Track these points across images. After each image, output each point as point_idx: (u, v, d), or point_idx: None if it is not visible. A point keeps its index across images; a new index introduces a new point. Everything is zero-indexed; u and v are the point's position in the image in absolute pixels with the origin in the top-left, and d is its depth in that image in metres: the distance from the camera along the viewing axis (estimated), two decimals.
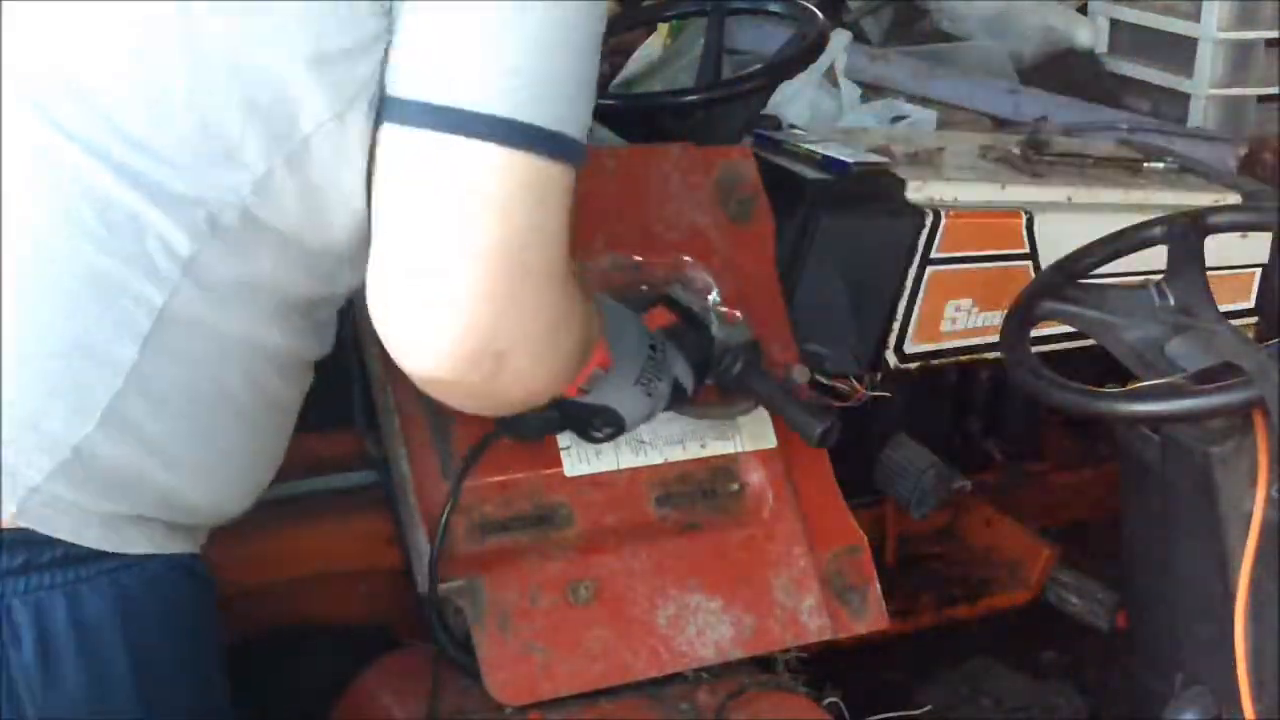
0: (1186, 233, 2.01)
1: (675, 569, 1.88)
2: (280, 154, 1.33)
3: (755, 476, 1.97)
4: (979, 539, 2.66)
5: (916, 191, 2.36)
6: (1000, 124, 4.15)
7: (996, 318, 2.30)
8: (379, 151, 1.34)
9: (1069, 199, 2.50)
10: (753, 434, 1.99)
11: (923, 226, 2.32)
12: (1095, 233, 2.10)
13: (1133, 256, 2.09)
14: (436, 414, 1.82)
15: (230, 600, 1.54)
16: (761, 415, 1.98)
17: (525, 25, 1.32)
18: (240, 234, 1.34)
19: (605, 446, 1.89)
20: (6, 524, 1.32)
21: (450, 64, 1.32)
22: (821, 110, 3.94)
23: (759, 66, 2.68)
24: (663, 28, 4.01)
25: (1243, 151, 3.94)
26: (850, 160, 2.35)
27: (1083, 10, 5.36)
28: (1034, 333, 2.00)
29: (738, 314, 1.92)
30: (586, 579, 1.83)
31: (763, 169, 2.16)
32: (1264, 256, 2.65)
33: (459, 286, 1.32)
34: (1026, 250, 2.41)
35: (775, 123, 2.56)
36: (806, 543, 1.96)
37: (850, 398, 2.14)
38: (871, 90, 4.34)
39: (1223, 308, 2.00)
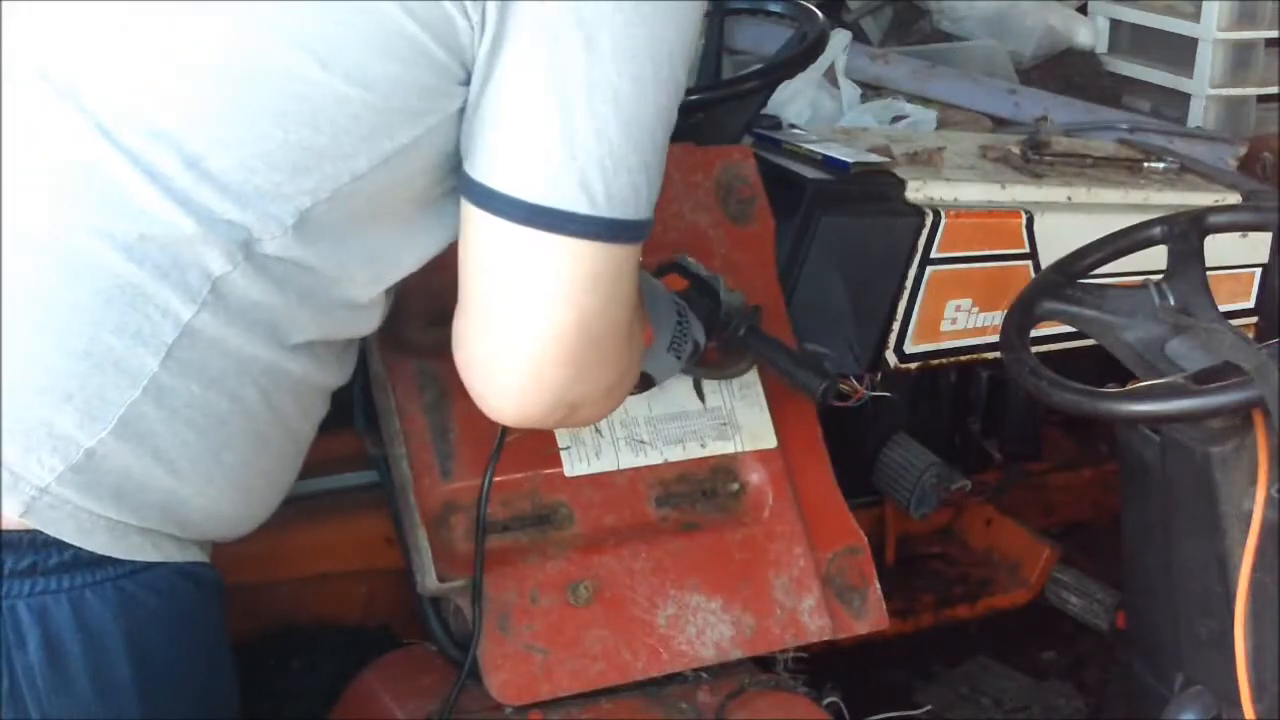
0: (1186, 233, 2.01)
1: (675, 569, 1.88)
2: (326, 191, 1.35)
3: (755, 476, 1.97)
4: (979, 539, 2.66)
5: (916, 191, 2.36)
6: (1000, 124, 4.15)
7: (996, 318, 2.30)
8: (466, 229, 1.40)
9: (1069, 199, 2.50)
10: (753, 434, 1.99)
11: (923, 226, 2.32)
12: (1095, 233, 2.10)
13: (1133, 256, 2.09)
14: (436, 414, 1.82)
15: (230, 600, 1.54)
16: (762, 415, 1.99)
17: (617, 125, 1.36)
18: (274, 263, 1.36)
19: (605, 447, 1.90)
20: (13, 524, 1.33)
21: (543, 162, 1.35)
22: (821, 110, 3.94)
23: (759, 66, 2.68)
24: None
25: (1243, 151, 3.94)
26: (850, 160, 2.35)
27: (1083, 10, 5.36)
28: (1034, 333, 2.00)
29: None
30: (586, 579, 1.83)
31: (763, 169, 2.16)
32: (1264, 256, 2.65)
33: (538, 361, 1.40)
34: (1026, 250, 2.41)
35: (775, 123, 2.56)
36: (806, 543, 1.96)
37: (850, 398, 2.14)
38: (871, 90, 4.34)
39: (1223, 308, 2.00)
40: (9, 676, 1.34)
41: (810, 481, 2.01)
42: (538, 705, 1.78)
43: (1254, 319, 2.65)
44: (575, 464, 1.89)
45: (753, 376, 2.01)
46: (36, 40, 1.34)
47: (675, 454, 1.94)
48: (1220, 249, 2.16)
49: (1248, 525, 1.77)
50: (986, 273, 2.39)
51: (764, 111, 2.58)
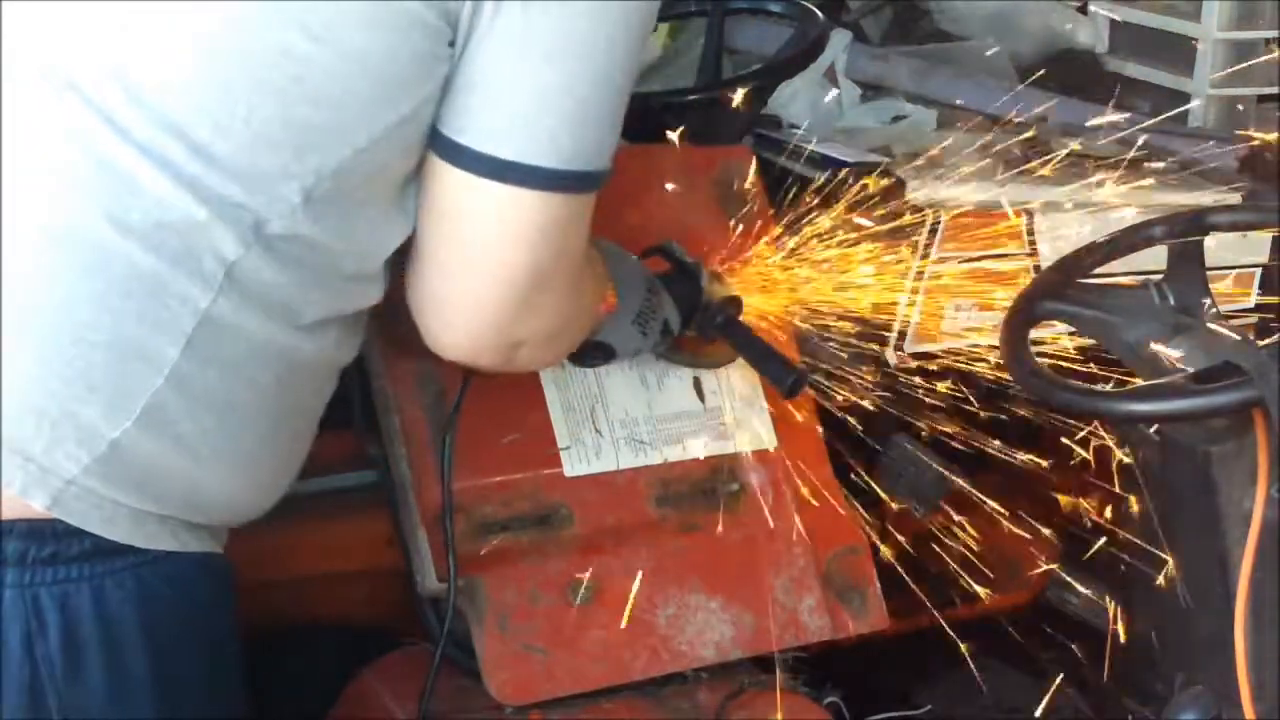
0: (1186, 233, 2.01)
1: (675, 569, 1.88)
2: (330, 168, 1.37)
3: (755, 476, 1.97)
4: (979, 539, 2.66)
5: (916, 191, 2.36)
6: (1000, 124, 4.14)
7: (996, 318, 2.29)
8: (430, 182, 1.44)
9: (1069, 199, 2.50)
10: (753, 434, 1.99)
11: (923, 226, 2.32)
12: (1095, 233, 2.10)
13: (1133, 256, 2.09)
14: (436, 414, 1.82)
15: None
16: (762, 415, 1.99)
17: (579, 87, 1.41)
18: (284, 243, 1.38)
19: (605, 447, 1.90)
20: (36, 514, 1.34)
21: (507, 119, 1.41)
22: (821, 110, 3.93)
23: (759, 66, 2.68)
24: (663, 28, 4.01)
25: (1243, 151, 3.93)
26: (850, 160, 2.35)
27: (1083, 10, 5.35)
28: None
29: (721, 273, 2.01)
30: (586, 579, 1.83)
31: (763, 169, 2.16)
32: (1264, 256, 2.64)
33: (488, 302, 1.47)
34: (1027, 250, 2.41)
35: (775, 123, 2.56)
36: (806, 543, 1.96)
37: (851, 398, 2.14)
38: (871, 90, 4.33)
39: (1223, 308, 2.00)
40: (30, 665, 1.35)
41: (810, 481, 2.01)
42: (538, 705, 1.78)
43: (1254, 319, 2.64)
44: (575, 464, 1.89)
45: (753, 377, 2.01)
46: (36, 37, 1.35)
47: (675, 454, 1.95)
48: (1220, 249, 2.16)
49: (1248, 525, 1.77)
50: (986, 273, 2.39)
51: (764, 111, 2.58)
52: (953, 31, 5.25)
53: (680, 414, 1.97)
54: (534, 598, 1.80)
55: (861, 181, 2.34)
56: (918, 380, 2.46)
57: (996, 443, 2.66)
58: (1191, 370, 1.80)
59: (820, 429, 2.05)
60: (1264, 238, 2.60)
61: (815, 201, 2.15)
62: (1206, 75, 4.81)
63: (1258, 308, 2.66)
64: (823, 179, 2.32)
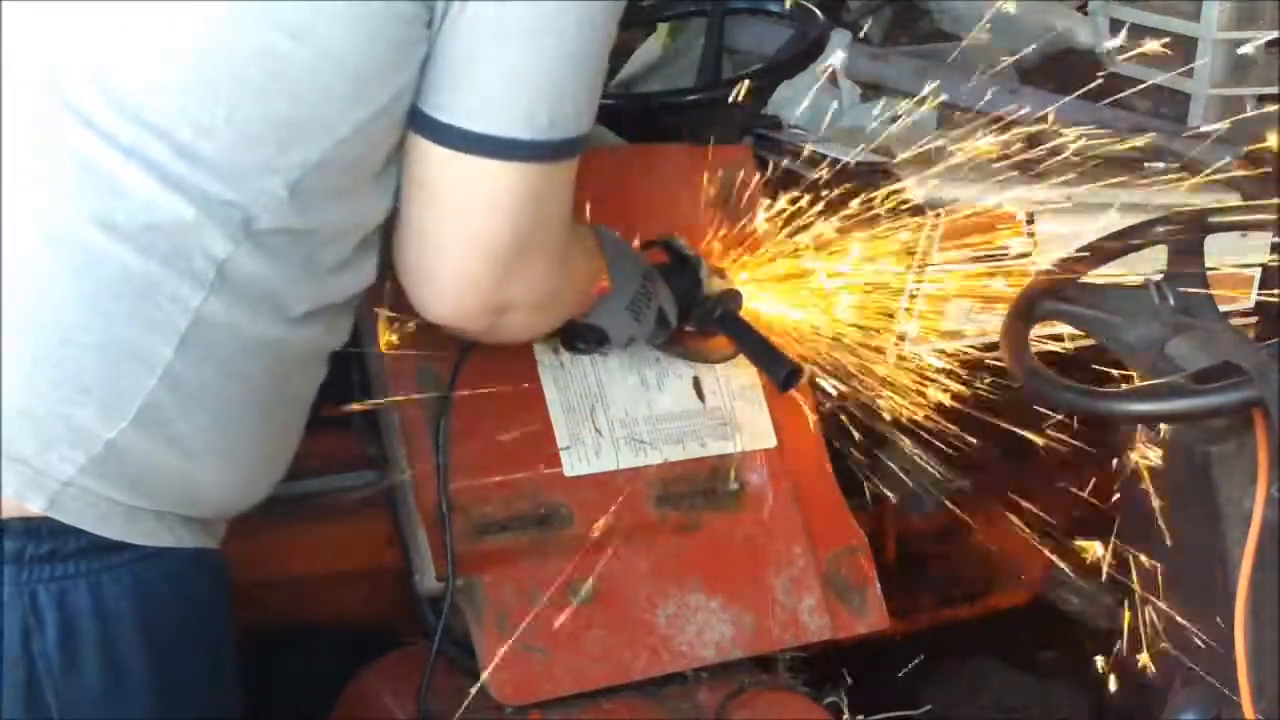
0: (1186, 233, 2.01)
1: (675, 569, 1.88)
2: (314, 162, 1.38)
3: (755, 476, 1.97)
4: (979, 539, 2.66)
5: (916, 191, 2.36)
6: (1000, 124, 4.14)
7: (996, 318, 2.29)
8: (411, 159, 1.46)
9: (1069, 199, 2.50)
10: (753, 434, 1.99)
11: (923, 226, 2.32)
12: (1095, 233, 2.10)
13: (1133, 256, 2.09)
14: (436, 414, 1.82)
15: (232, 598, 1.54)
16: (762, 415, 1.99)
17: (551, 60, 1.43)
18: (273, 237, 1.39)
19: (605, 447, 1.90)
20: (32, 513, 1.35)
21: (482, 94, 1.43)
22: (821, 110, 3.93)
23: (759, 66, 2.67)
24: (663, 28, 4.01)
25: (1243, 151, 3.93)
26: (850, 160, 2.35)
27: (1083, 10, 5.35)
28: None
29: (722, 267, 2.03)
30: (586, 579, 1.83)
31: (763, 169, 2.16)
32: (1264, 256, 2.64)
33: (472, 271, 1.49)
34: (1027, 250, 2.41)
35: (775, 123, 2.56)
36: (806, 542, 1.96)
37: (850, 397, 2.14)
38: (871, 90, 4.33)
39: (1223, 308, 2.00)
40: (28, 663, 1.35)
41: (810, 481, 2.01)
42: (538, 705, 1.78)
43: (1254, 319, 2.65)
44: (575, 464, 1.89)
45: (752, 377, 2.01)
46: (15, 41, 1.35)
47: (675, 454, 1.95)
48: (1220, 249, 2.16)
49: (1248, 525, 1.77)
50: (986, 273, 2.39)
51: (764, 111, 2.57)
52: (953, 31, 5.25)
53: (680, 414, 1.97)
54: (534, 598, 1.80)
55: (861, 182, 2.35)
56: (918, 380, 2.46)
57: (994, 446, 2.67)
58: (1191, 370, 1.80)
59: (820, 429, 2.05)
60: (1264, 238, 2.60)
61: (815, 201, 2.15)
62: (1206, 75, 4.81)
63: (1258, 308, 2.66)
64: (823, 179, 2.33)
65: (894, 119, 3.86)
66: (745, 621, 1.89)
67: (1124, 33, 4.52)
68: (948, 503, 2.50)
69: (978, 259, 2.39)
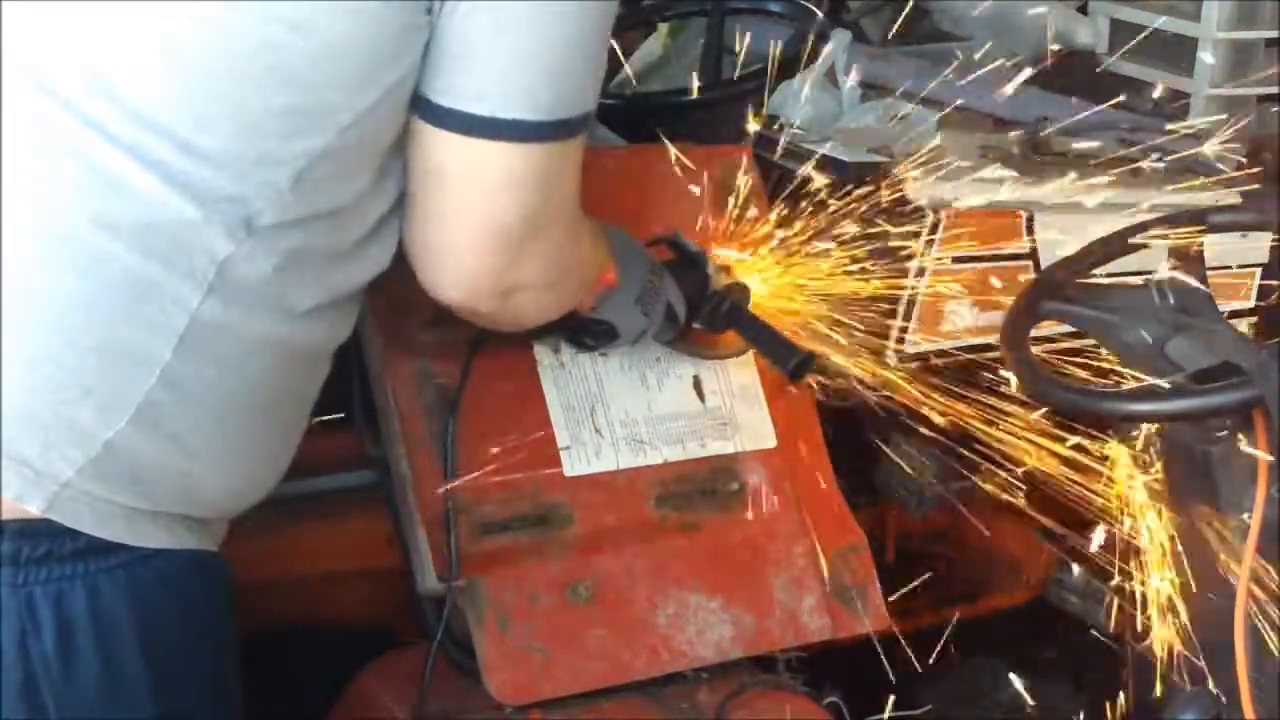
0: (1186, 233, 2.01)
1: (675, 569, 1.88)
2: (318, 152, 1.38)
3: (755, 476, 1.97)
4: (979, 539, 2.66)
5: (916, 191, 2.36)
6: (1000, 124, 4.14)
7: (996, 317, 2.29)
8: (415, 144, 1.46)
9: (1069, 199, 2.50)
10: (753, 434, 1.99)
11: (923, 226, 2.32)
12: (1095, 233, 2.10)
13: (1133, 256, 2.09)
14: (436, 414, 1.82)
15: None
16: (762, 415, 1.99)
17: (552, 40, 1.42)
18: (274, 234, 1.38)
19: (605, 447, 1.89)
20: (30, 514, 1.34)
21: (484, 77, 1.42)
22: (821, 110, 3.93)
23: (759, 66, 2.67)
24: (663, 28, 4.01)
25: (1243, 152, 3.93)
26: (850, 160, 2.35)
27: (1083, 10, 5.35)
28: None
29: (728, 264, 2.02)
30: (586, 579, 1.83)
31: (763, 169, 2.16)
32: (1264, 256, 2.64)
33: (482, 251, 1.49)
34: (1026, 250, 2.41)
35: (775, 123, 2.56)
36: (806, 542, 1.96)
37: (850, 397, 2.14)
38: (871, 90, 4.33)
39: (1223, 308, 2.00)
40: (25, 665, 1.35)
41: (810, 481, 2.01)
42: (538, 705, 1.78)
43: (1254, 319, 2.64)
44: (575, 464, 1.89)
45: (752, 376, 2.01)
46: (12, 41, 1.35)
47: (675, 454, 1.94)
48: (1220, 249, 2.16)
49: (1248, 525, 1.77)
50: (986, 273, 2.39)
51: (764, 111, 2.57)
52: (953, 31, 5.25)
53: (680, 414, 1.97)
54: (534, 598, 1.80)
55: (861, 181, 2.35)
56: (917, 380, 2.46)
57: (996, 441, 2.67)
58: (1191, 370, 1.80)
59: (820, 429, 2.05)
60: (1264, 238, 2.60)
61: (814, 202, 2.15)
62: (1206, 75, 4.81)
63: (1258, 308, 2.66)
64: (822, 179, 2.33)
65: (894, 119, 3.86)
66: (745, 621, 1.89)
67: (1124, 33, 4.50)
68: (952, 501, 2.50)
69: (978, 259, 2.39)
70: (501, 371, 1.87)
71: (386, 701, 1.83)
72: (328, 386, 1.60)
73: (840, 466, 2.05)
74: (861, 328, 2.26)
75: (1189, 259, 1.97)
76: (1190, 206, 2.28)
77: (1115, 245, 2.08)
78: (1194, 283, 1.96)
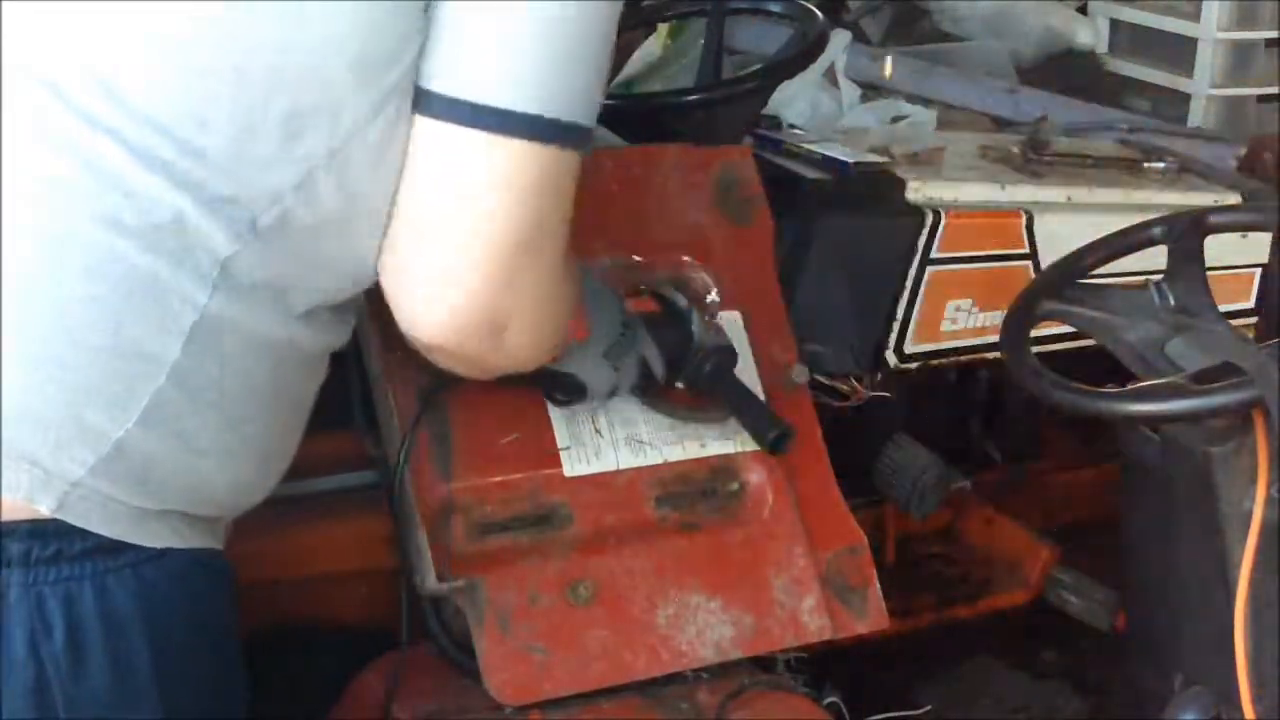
0: (1186, 233, 2.02)
1: (675, 569, 1.88)
2: (321, 154, 1.36)
3: (755, 476, 1.97)
4: (979, 539, 2.66)
5: (916, 191, 2.36)
6: (1000, 124, 4.15)
7: (996, 318, 2.30)
8: (412, 141, 1.41)
9: (1069, 199, 2.50)
10: None
11: (923, 226, 2.32)
12: (1095, 233, 2.10)
13: (1133, 256, 2.09)
14: (436, 414, 1.82)
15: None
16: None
17: (555, 31, 1.39)
18: (278, 235, 1.38)
19: (605, 447, 1.89)
20: (38, 514, 1.34)
21: (484, 64, 1.38)
22: (821, 110, 3.94)
23: (759, 66, 2.68)
24: (663, 28, 4.01)
25: (1243, 151, 3.94)
26: (850, 160, 2.36)
27: (1083, 10, 5.36)
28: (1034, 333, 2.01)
29: (719, 323, 1.96)
30: (586, 579, 1.83)
31: (763, 169, 2.16)
32: (1264, 256, 2.65)
33: (472, 270, 1.41)
34: (1026, 250, 2.41)
35: (775, 123, 2.56)
36: (806, 543, 1.96)
37: (850, 398, 2.14)
38: (871, 90, 4.34)
39: (1223, 308, 2.00)
40: (35, 666, 1.35)
41: (810, 481, 2.01)
42: (537, 705, 1.78)
43: (1254, 319, 2.65)
44: (575, 464, 1.88)
45: (752, 377, 2.00)
46: (13, 40, 1.35)
47: (675, 454, 1.94)
48: (1220, 249, 2.16)
49: (1248, 525, 1.77)
50: (986, 273, 2.39)
51: (764, 111, 2.58)
52: (953, 31, 5.26)
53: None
54: (534, 598, 1.80)
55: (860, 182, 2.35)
56: (917, 380, 2.46)
57: (996, 443, 2.68)
58: (1191, 370, 1.80)
59: (820, 429, 2.05)
60: (1264, 238, 2.60)
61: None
62: (1206, 75, 4.81)
63: (1258, 308, 2.66)
64: (823, 179, 2.33)
65: (894, 119, 3.86)
66: (745, 622, 1.89)
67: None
68: (954, 496, 2.50)
69: (978, 259, 2.39)
70: None
71: (386, 701, 1.83)
72: (329, 388, 1.60)
73: (840, 466, 2.05)
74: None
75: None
76: (1190, 207, 2.28)
77: (1115, 245, 2.08)
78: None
